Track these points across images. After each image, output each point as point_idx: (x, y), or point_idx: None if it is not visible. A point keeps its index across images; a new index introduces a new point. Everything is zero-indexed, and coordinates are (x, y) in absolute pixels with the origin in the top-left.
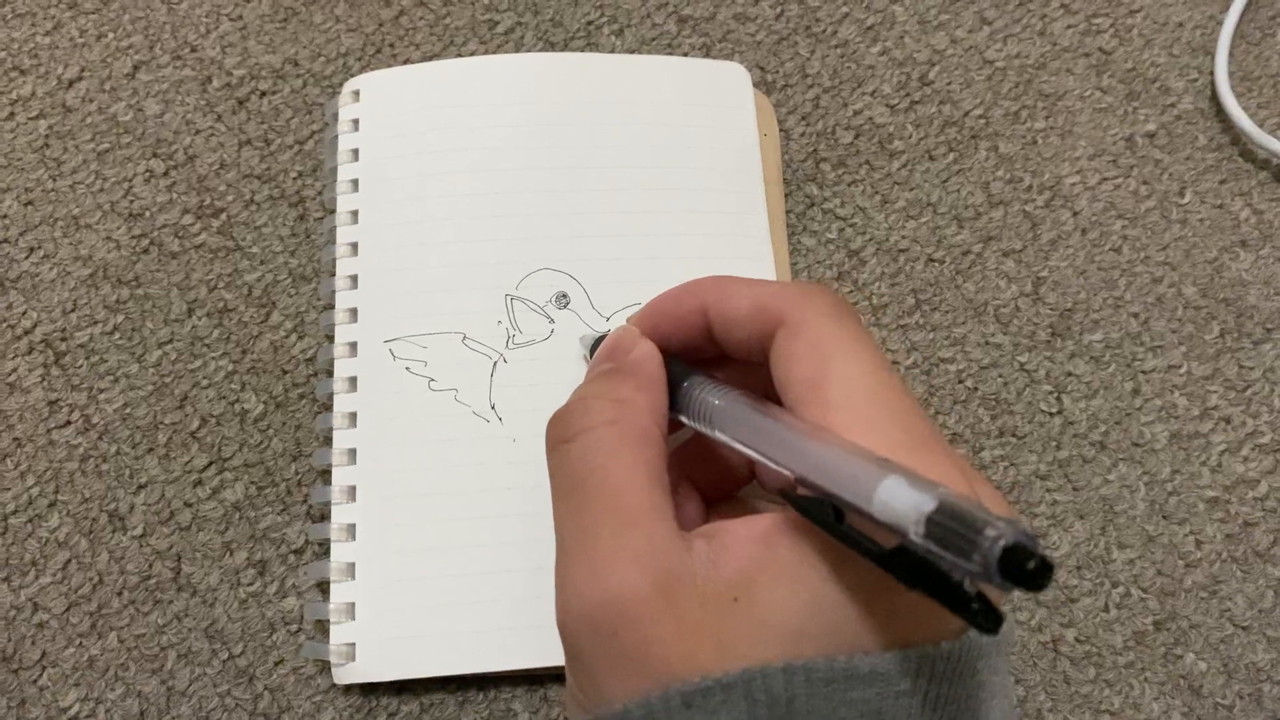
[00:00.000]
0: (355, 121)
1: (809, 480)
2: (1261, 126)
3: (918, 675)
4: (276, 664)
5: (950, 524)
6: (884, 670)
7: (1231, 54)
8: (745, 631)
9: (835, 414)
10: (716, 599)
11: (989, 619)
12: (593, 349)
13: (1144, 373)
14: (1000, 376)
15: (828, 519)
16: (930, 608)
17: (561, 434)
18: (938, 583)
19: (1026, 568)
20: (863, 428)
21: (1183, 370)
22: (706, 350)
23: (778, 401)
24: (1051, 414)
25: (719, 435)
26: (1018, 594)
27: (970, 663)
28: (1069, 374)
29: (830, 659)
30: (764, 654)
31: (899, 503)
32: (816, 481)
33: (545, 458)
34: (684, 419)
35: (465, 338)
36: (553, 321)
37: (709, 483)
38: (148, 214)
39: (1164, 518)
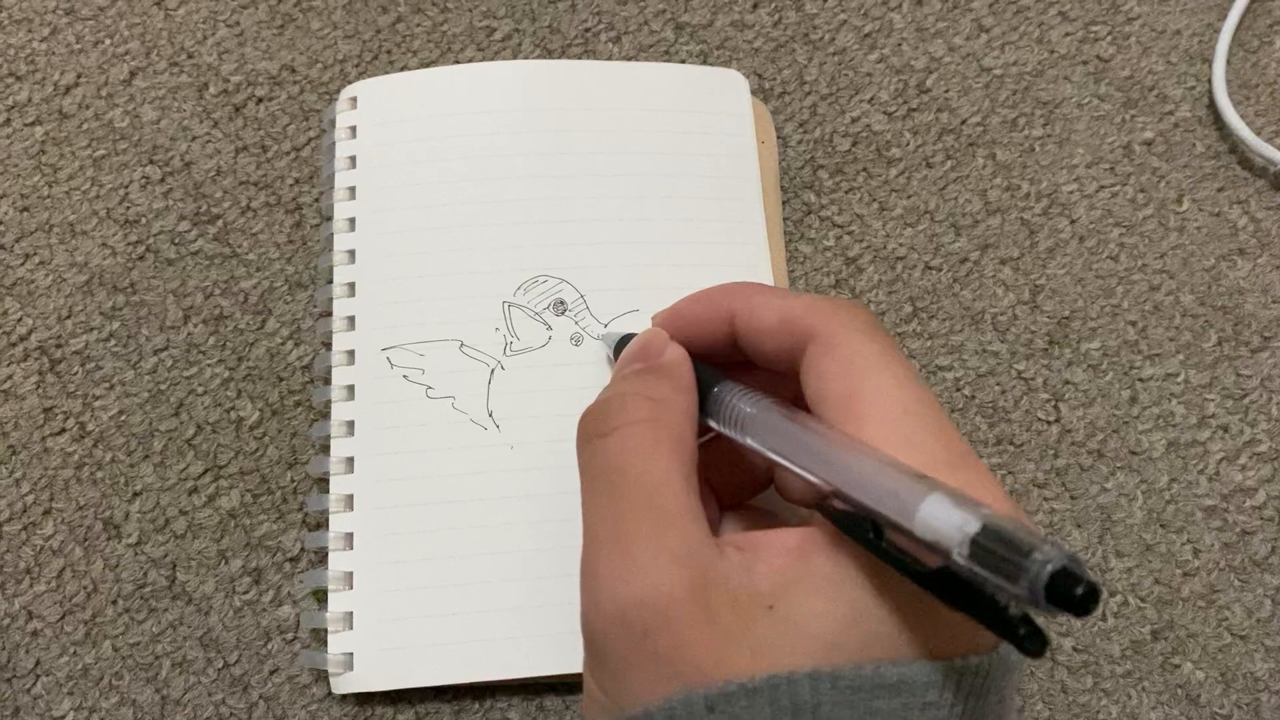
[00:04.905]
0: (353, 128)
1: (847, 494)
2: (1259, 134)
3: (944, 688)
4: (272, 673)
5: (995, 546)
6: (911, 680)
7: (1229, 62)
8: (780, 639)
9: (871, 430)
10: (750, 606)
11: (1035, 641)
12: (616, 348)
13: (1141, 381)
14: (998, 384)
15: (865, 535)
16: (966, 622)
17: (597, 428)
18: (981, 604)
19: (1074, 593)
20: (900, 444)
21: (1180, 378)
22: (730, 356)
23: (806, 410)
24: (1049, 422)
25: (750, 443)
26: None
27: (997, 679)
28: (1066, 382)
29: (858, 666)
30: (797, 662)
31: (942, 522)
32: (855, 496)
33: (546, 465)
34: (713, 424)
35: (462, 345)
36: (550, 328)
37: (726, 488)
38: (144, 220)
39: (1162, 526)
